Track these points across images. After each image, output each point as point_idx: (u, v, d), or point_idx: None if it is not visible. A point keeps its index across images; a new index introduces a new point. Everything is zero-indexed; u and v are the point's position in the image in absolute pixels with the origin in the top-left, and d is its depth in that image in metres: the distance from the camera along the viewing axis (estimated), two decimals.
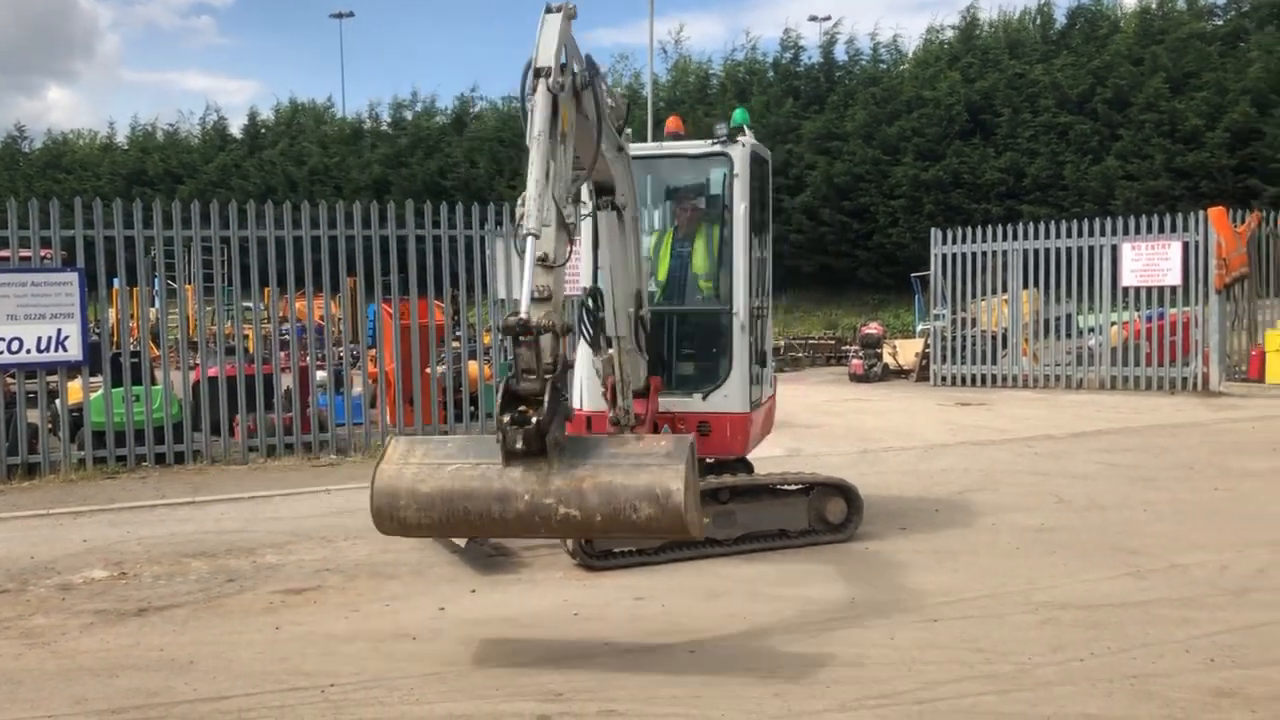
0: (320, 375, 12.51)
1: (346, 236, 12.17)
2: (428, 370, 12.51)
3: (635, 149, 7.46)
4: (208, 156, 47.76)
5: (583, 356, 7.62)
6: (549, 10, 5.26)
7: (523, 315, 4.69)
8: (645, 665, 5.06)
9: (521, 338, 4.66)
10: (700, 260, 7.73)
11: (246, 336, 12.27)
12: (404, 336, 12.30)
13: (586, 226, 7.03)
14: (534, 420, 4.60)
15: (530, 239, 4.82)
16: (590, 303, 6.76)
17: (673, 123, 7.76)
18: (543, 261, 4.86)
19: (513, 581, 6.62)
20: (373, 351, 13.11)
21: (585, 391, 7.47)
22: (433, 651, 5.31)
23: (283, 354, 12.64)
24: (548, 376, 4.69)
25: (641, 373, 7.15)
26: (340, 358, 13.11)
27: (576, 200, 6.20)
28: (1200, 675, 4.79)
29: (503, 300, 12.80)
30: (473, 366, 13.00)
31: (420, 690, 4.76)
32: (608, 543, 6.81)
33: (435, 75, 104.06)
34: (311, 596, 6.34)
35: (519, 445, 4.60)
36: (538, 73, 5.03)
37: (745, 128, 7.52)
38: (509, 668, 5.05)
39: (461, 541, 6.95)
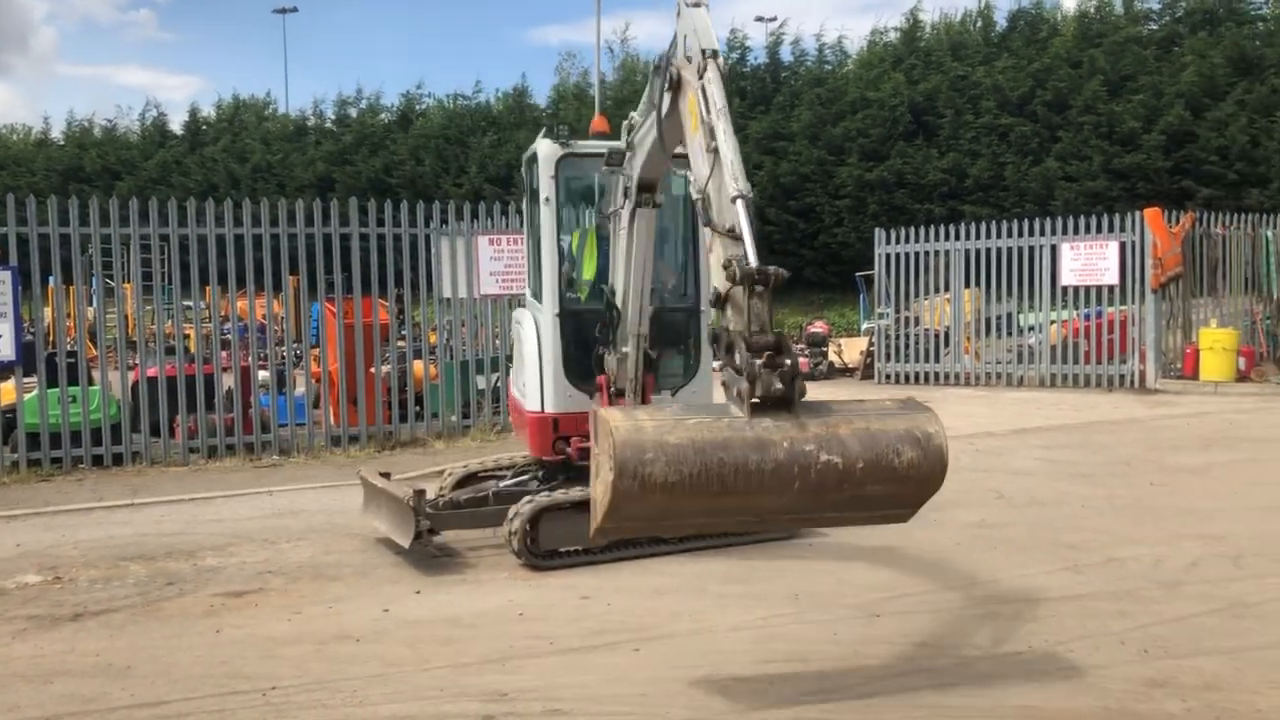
0: (262, 375, 12.36)
1: (289, 234, 12.03)
2: (372, 370, 12.41)
3: (582, 146, 7.49)
4: (147, 153, 46.94)
5: (532, 357, 7.56)
6: (692, 5, 5.29)
7: (753, 263, 4.46)
8: (591, 664, 5.07)
9: (758, 288, 4.42)
10: None
11: (187, 336, 12.08)
12: (347, 336, 12.19)
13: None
14: (788, 363, 4.32)
15: (742, 201, 4.72)
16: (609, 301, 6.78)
17: (598, 123, 7.73)
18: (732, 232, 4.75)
19: (457, 582, 6.59)
20: (316, 351, 12.97)
21: (550, 393, 7.41)
22: (376, 653, 5.27)
23: (224, 353, 12.46)
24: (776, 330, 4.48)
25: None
26: (283, 357, 12.96)
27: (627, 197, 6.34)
28: (1135, 666, 4.90)
29: (448, 299, 12.74)
30: (418, 366, 12.91)
31: (364, 692, 4.72)
32: (553, 541, 6.81)
33: (380, 72, 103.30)
34: (253, 599, 6.26)
35: (777, 386, 4.23)
36: (709, 54, 5.08)
37: None
38: (453, 668, 5.03)
39: (406, 543, 6.90)
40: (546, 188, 7.33)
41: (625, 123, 6.58)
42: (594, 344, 7.23)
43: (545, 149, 7.38)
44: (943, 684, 4.72)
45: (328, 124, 46.11)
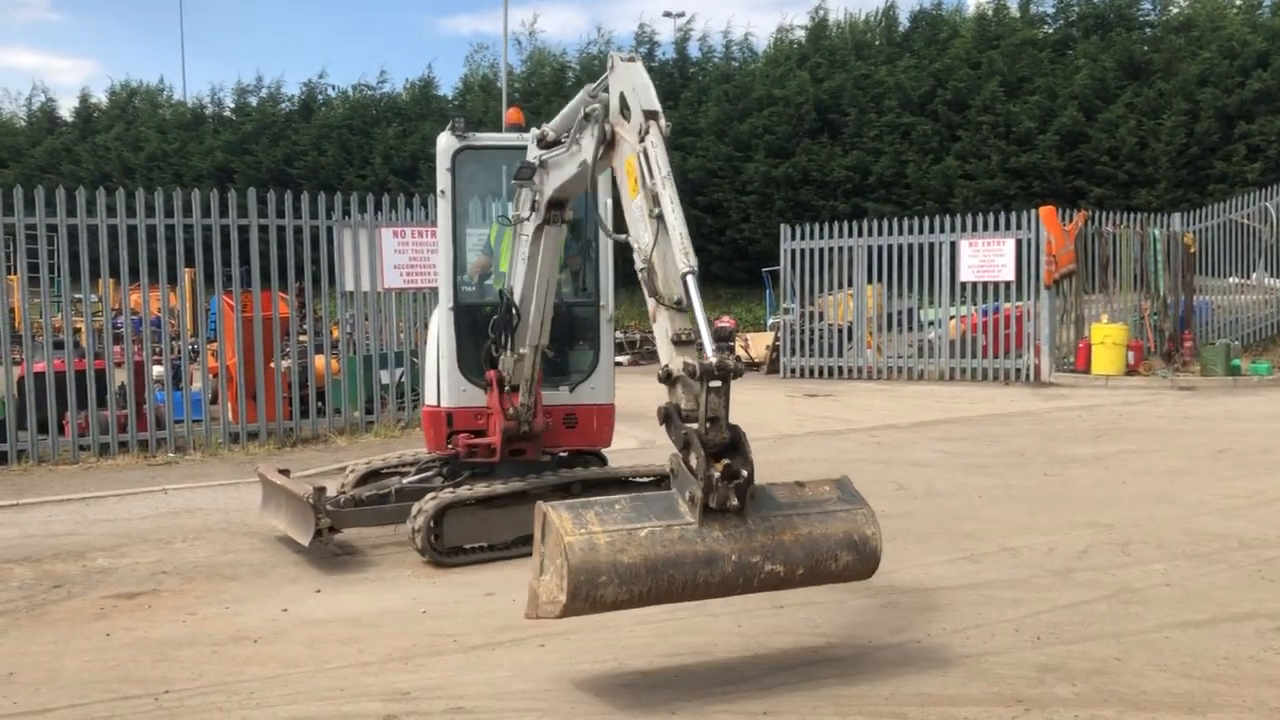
0: (156, 370, 12.00)
1: (185, 226, 11.69)
2: (272, 365, 12.14)
3: (490, 139, 7.45)
4: (35, 139, 45.10)
5: (432, 351, 7.52)
6: (627, 59, 5.24)
7: (711, 358, 4.39)
8: (495, 661, 5.03)
9: (713, 383, 4.34)
10: None
11: (78, 330, 11.65)
12: (246, 330, 11.90)
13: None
14: (744, 474, 4.35)
15: (692, 276, 4.64)
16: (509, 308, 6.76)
17: (513, 114, 7.69)
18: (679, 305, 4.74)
19: (359, 581, 6.48)
20: (213, 345, 12.64)
21: (445, 387, 7.32)
22: (274, 654, 5.15)
23: (116, 349, 12.07)
24: (734, 423, 4.43)
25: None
26: (179, 352, 12.60)
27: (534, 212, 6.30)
28: (1027, 652, 5.03)
29: (351, 292, 12.53)
30: (319, 361, 12.67)
31: (261, 694, 4.61)
32: (457, 538, 6.75)
33: (281, 60, 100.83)
34: (146, 601, 6.08)
35: (733, 502, 4.29)
36: (650, 115, 4.98)
37: None
38: (354, 667, 4.95)
39: (306, 541, 6.77)
40: (443, 180, 7.26)
41: (535, 133, 6.51)
42: (487, 339, 7.18)
43: (443, 141, 7.32)
44: (844, 673, 4.79)
45: (226, 112, 44.85)
